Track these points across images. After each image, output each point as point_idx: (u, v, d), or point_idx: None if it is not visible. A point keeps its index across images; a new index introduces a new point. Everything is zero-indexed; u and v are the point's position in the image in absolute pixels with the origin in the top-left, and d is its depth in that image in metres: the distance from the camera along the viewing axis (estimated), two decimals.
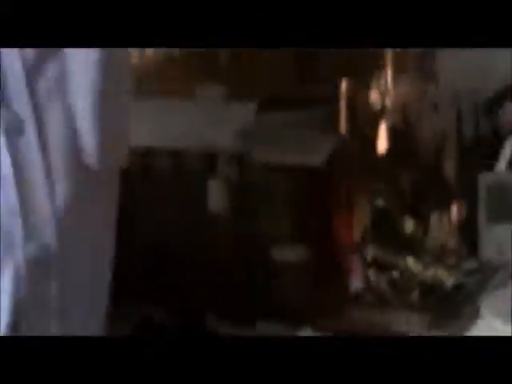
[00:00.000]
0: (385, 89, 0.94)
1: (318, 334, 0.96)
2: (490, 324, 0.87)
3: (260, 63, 1.20)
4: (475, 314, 0.88)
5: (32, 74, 0.57)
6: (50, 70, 0.60)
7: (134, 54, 1.06)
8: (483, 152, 1.01)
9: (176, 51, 1.21)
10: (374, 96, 0.95)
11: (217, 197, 1.11)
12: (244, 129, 1.11)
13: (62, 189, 0.59)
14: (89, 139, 0.61)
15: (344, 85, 1.05)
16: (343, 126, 0.96)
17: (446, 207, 0.92)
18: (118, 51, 0.66)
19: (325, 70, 1.20)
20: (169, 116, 1.12)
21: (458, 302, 0.93)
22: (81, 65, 0.61)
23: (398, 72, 0.95)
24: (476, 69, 1.12)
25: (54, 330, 0.63)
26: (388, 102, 0.92)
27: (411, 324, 0.90)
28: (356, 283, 0.94)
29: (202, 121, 1.15)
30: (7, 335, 0.59)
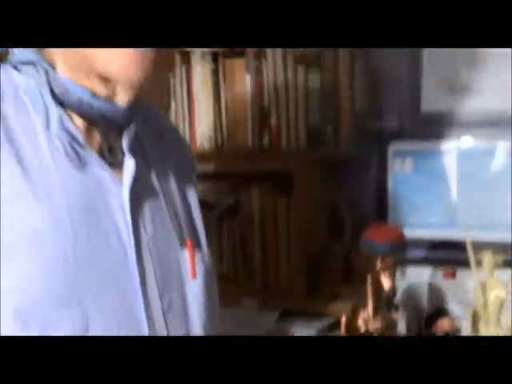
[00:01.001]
0: (367, 318, 1.07)
1: None
2: None
3: (282, 286, 1.32)
4: None
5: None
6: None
7: None
8: None
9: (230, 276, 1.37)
10: (360, 322, 1.07)
11: None
12: (268, 330, 1.26)
13: None
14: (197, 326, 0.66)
15: (339, 306, 1.24)
16: (342, 328, 1.06)
17: None
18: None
19: (327, 287, 1.30)
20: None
21: None
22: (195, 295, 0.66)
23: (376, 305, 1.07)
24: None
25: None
26: (370, 327, 1.05)
27: None
28: None
29: (241, 323, 1.27)
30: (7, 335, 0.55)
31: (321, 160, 1.34)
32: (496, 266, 1.06)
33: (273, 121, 1.34)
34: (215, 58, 1.38)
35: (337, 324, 1.19)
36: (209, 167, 1.32)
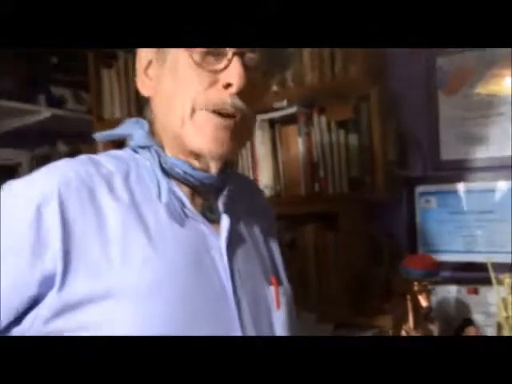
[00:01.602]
0: (409, 329, 1.09)
1: None
2: None
3: (334, 304, 1.31)
4: None
5: None
6: None
7: None
8: None
9: None
10: (403, 332, 1.09)
11: None
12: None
13: None
14: None
15: (381, 319, 1.23)
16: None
17: None
18: None
19: (371, 304, 1.28)
20: None
21: None
22: None
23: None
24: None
25: None
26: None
27: None
28: None
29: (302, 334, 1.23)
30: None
31: (361, 202, 1.36)
32: None
33: (321, 173, 1.36)
34: (272, 126, 1.41)
35: (381, 334, 1.20)
36: None
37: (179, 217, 0.62)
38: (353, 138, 1.33)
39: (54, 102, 1.62)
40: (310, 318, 1.29)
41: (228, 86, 0.59)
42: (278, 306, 0.67)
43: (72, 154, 1.68)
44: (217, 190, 0.66)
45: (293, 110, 1.37)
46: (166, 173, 0.63)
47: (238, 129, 0.62)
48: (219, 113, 0.60)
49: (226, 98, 0.59)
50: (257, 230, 0.73)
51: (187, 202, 0.63)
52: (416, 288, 1.15)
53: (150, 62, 0.65)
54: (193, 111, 0.60)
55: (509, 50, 1.26)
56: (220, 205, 0.66)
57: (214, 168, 0.64)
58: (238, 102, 0.60)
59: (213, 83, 0.60)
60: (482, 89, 1.34)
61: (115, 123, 1.60)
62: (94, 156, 0.64)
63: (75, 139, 1.76)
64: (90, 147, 1.69)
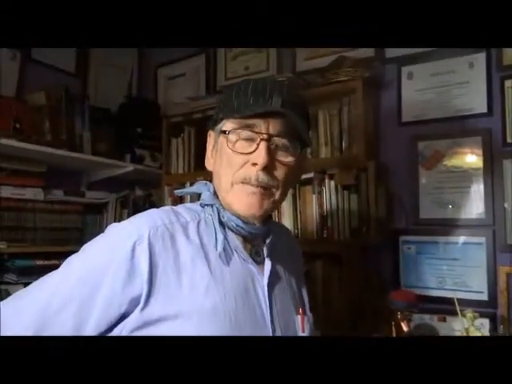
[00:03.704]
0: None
1: None
2: None
3: (337, 322, 1.27)
4: None
5: None
6: None
7: None
8: None
9: None
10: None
11: None
12: None
13: None
14: None
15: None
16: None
17: None
18: None
19: (364, 323, 1.25)
20: None
21: None
22: None
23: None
24: None
25: None
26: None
27: None
28: None
29: None
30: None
31: (358, 246, 1.34)
32: (475, 317, 1.08)
33: (329, 223, 1.36)
34: (294, 186, 1.40)
35: None
36: None
37: (234, 258, 0.62)
38: (354, 198, 1.35)
39: (136, 160, 1.68)
40: (317, 333, 1.29)
41: (254, 164, 0.59)
42: (303, 330, 0.66)
43: (145, 196, 1.76)
44: (262, 237, 0.66)
45: (310, 175, 1.40)
46: (224, 225, 0.63)
47: (267, 196, 0.61)
48: (248, 184, 0.60)
49: (252, 173, 0.59)
50: (290, 270, 0.72)
51: (240, 246, 0.63)
52: (399, 316, 1.15)
53: (213, 147, 0.65)
54: (232, 185, 0.61)
55: (471, 138, 1.30)
56: (265, 250, 0.65)
57: (257, 223, 0.63)
58: (263, 177, 0.59)
59: (244, 163, 0.60)
60: (449, 162, 1.39)
61: (178, 177, 1.72)
62: (175, 208, 0.64)
63: (148, 186, 1.87)
64: (158, 192, 1.80)
